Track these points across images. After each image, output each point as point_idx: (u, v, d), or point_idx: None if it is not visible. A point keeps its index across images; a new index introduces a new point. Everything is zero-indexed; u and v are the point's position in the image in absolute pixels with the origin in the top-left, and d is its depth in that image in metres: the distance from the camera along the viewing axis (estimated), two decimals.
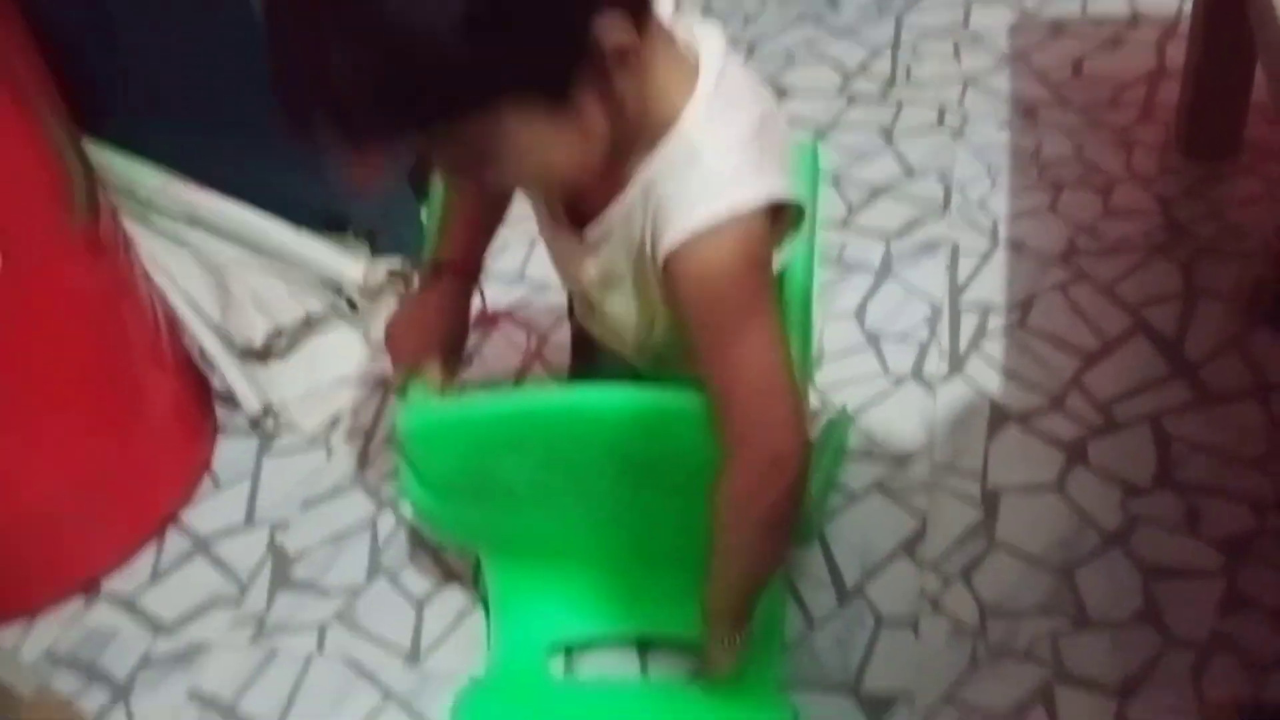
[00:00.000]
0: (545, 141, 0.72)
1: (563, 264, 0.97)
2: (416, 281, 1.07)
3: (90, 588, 1.35)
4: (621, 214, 0.82)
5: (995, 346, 1.38)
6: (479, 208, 1.03)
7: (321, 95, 0.65)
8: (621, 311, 0.92)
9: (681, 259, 0.76)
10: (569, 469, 0.97)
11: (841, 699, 1.07)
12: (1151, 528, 1.16)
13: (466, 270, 1.04)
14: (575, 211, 0.88)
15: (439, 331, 1.03)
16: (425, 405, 0.99)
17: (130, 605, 1.32)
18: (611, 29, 0.68)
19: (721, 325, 0.78)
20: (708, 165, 0.75)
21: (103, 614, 1.31)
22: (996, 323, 1.41)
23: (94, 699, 1.22)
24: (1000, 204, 1.58)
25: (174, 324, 1.44)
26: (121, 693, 1.22)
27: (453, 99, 0.66)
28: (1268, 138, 1.57)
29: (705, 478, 0.91)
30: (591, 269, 0.90)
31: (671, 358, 0.95)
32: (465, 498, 1.01)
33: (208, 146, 1.44)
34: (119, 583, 1.35)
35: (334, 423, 1.48)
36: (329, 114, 0.66)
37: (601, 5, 0.68)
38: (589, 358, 1.13)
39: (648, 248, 0.80)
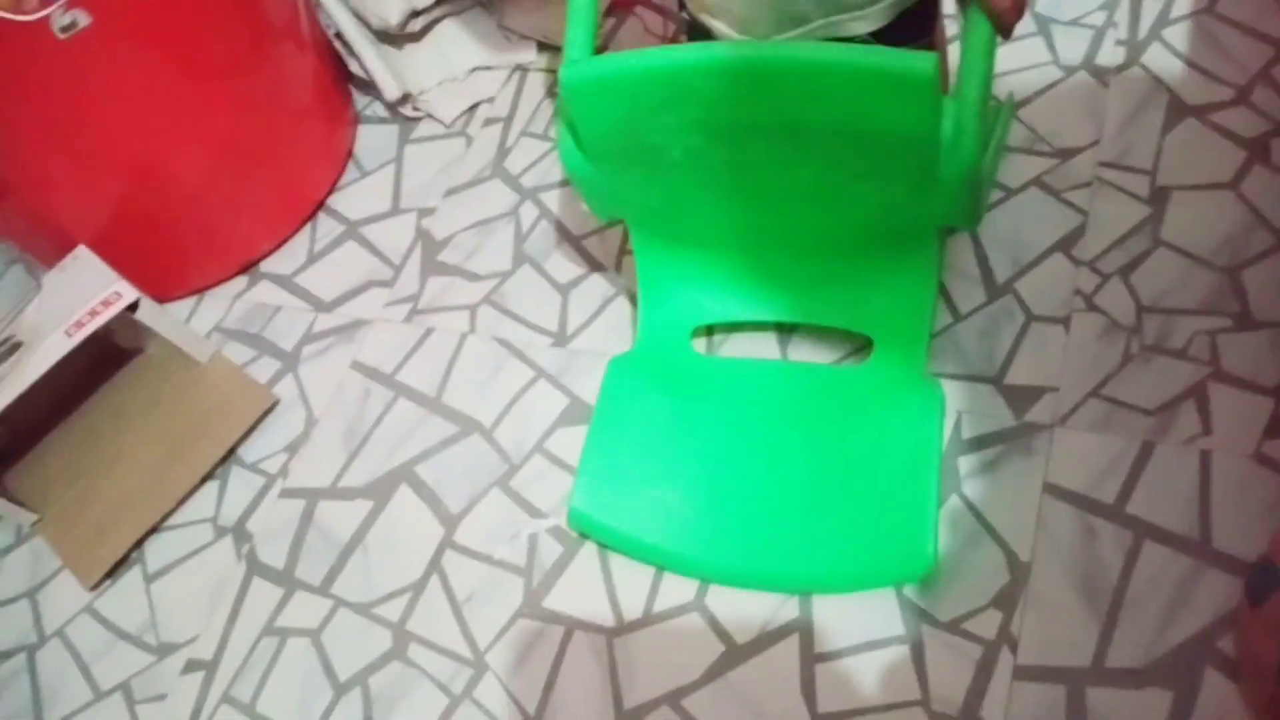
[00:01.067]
0: None
1: None
2: None
3: (250, 269, 1.41)
4: None
5: (1179, 33, 1.26)
6: None
7: None
8: None
9: None
10: (728, 135, 0.93)
11: (984, 388, 1.07)
12: None
13: None
14: None
15: None
16: (584, 60, 0.96)
17: (290, 283, 1.38)
18: None
19: None
20: None
21: (265, 292, 1.39)
22: (1182, 7, 1.28)
23: (264, 367, 1.31)
24: None
25: (310, 4, 1.41)
26: (290, 362, 1.30)
27: None
28: None
29: (879, 149, 0.87)
30: None
31: None
32: (620, 161, 1.00)
33: None
34: (277, 263, 1.41)
35: (472, 110, 1.47)
36: None
37: None
38: None
39: None
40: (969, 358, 1.10)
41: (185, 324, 1.35)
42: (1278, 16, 1.25)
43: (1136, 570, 0.94)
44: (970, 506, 1.01)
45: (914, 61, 0.82)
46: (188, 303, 1.41)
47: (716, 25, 0.98)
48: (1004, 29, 0.85)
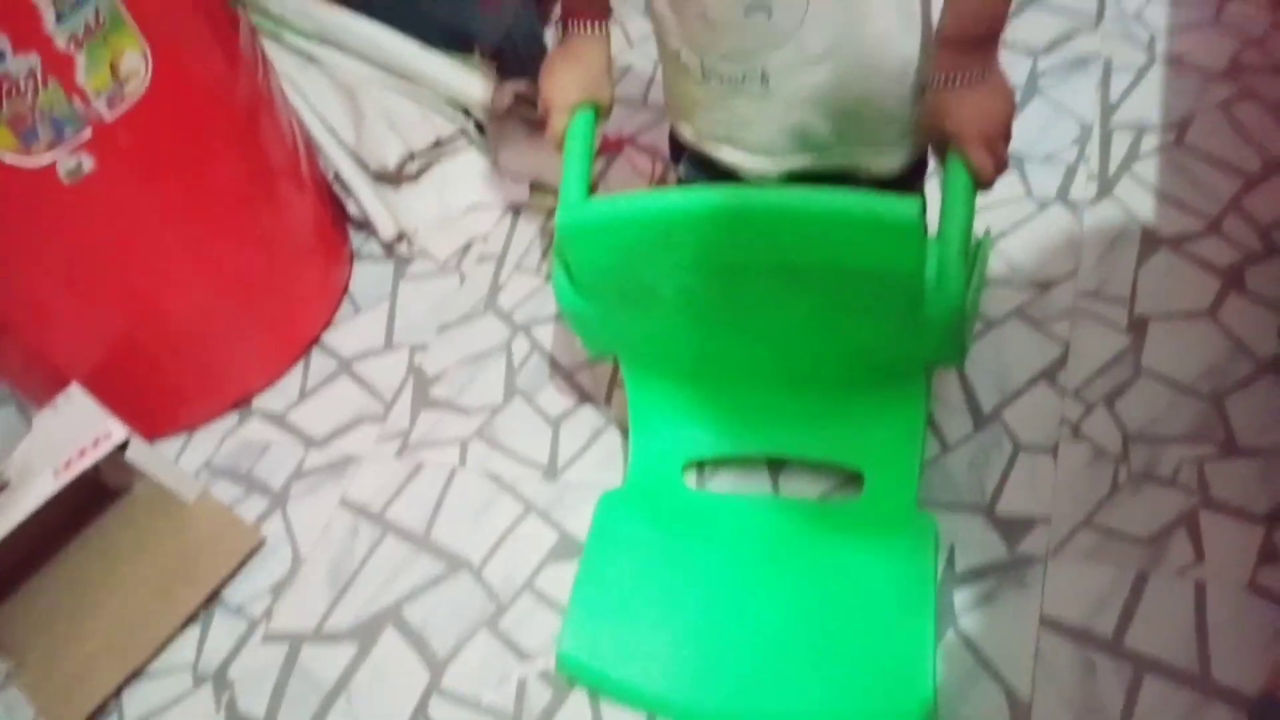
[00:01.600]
0: None
1: None
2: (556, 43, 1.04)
3: (243, 405, 1.42)
4: None
5: (1149, 168, 1.31)
6: None
7: None
8: None
9: None
10: (720, 275, 0.95)
11: (976, 519, 1.07)
12: None
13: (598, 20, 1.02)
14: None
15: (591, 68, 1.02)
16: (581, 201, 0.99)
17: (281, 420, 1.38)
18: None
19: None
20: None
21: (256, 429, 1.39)
22: (1151, 143, 1.33)
23: (253, 505, 1.30)
24: (1159, 16, 1.47)
25: (310, 147, 1.45)
26: (278, 500, 1.30)
27: None
28: None
29: (867, 290, 0.89)
30: None
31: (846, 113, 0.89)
32: (614, 299, 1.02)
33: None
34: (270, 400, 1.42)
35: (466, 248, 1.51)
36: None
37: None
38: None
39: None
40: (959, 488, 1.10)
41: (173, 463, 1.35)
42: (1245, 148, 1.29)
43: (1138, 707, 0.92)
44: (967, 642, 0.99)
45: (900, 207, 0.84)
46: (178, 439, 1.41)
47: (727, 152, 1.00)
48: (985, 184, 0.88)
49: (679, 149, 1.08)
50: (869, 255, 0.87)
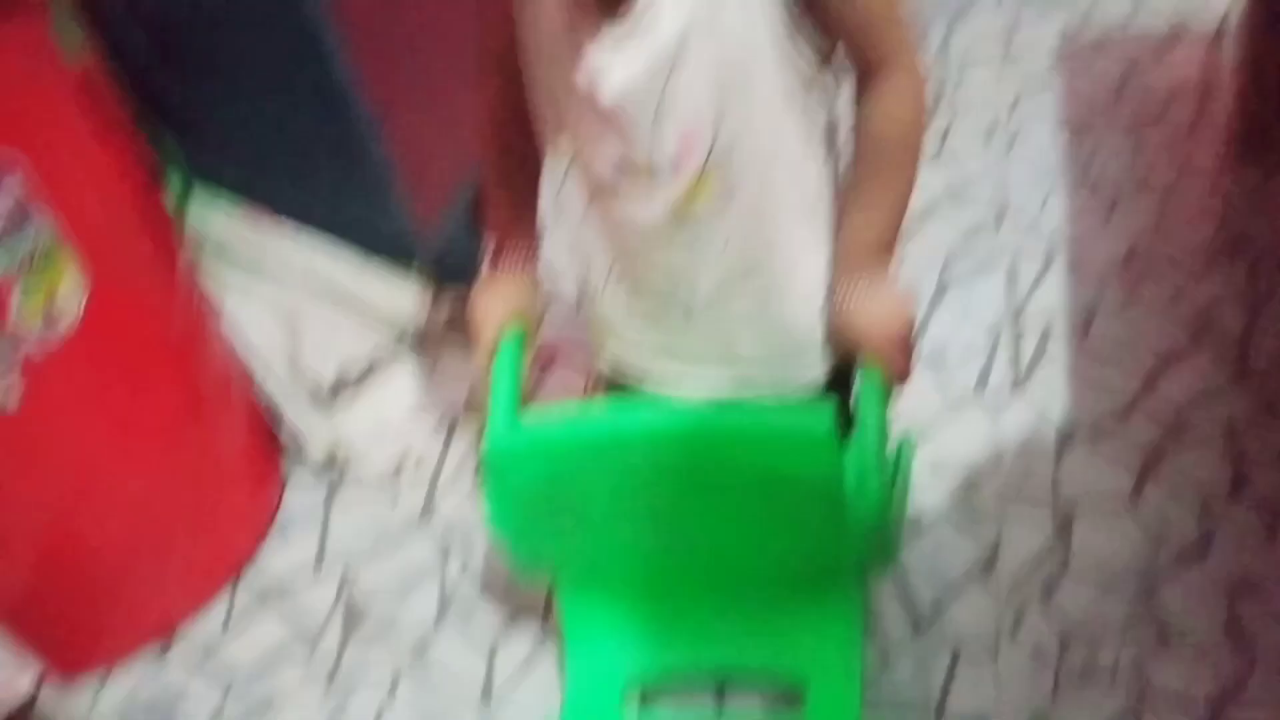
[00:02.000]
0: None
1: (595, 117, 0.84)
2: (484, 266, 1.06)
3: (166, 635, 1.36)
4: None
5: (1059, 361, 1.36)
6: (517, 181, 1.03)
7: None
8: (690, 104, 0.81)
9: None
10: (648, 492, 0.96)
11: None
12: (1231, 540, 1.13)
13: (525, 243, 1.06)
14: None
15: (518, 291, 1.04)
16: (508, 425, 0.99)
17: (205, 655, 1.33)
18: None
19: None
20: None
21: (175, 669, 1.33)
22: (1059, 337, 1.39)
23: None
24: (1055, 217, 1.57)
25: (244, 369, 1.46)
26: None
27: None
28: None
29: (791, 500, 0.91)
30: (639, 61, 0.79)
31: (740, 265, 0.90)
32: (544, 521, 1.01)
33: (277, 178, 1.47)
34: (194, 631, 1.36)
35: (400, 464, 1.50)
36: None
37: None
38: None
39: None
40: (905, 695, 1.08)
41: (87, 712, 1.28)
42: (1147, 339, 1.35)
43: None
44: None
45: (812, 418, 0.87)
46: (97, 677, 1.35)
47: (653, 378, 1.02)
48: (897, 383, 0.91)
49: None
50: (788, 466, 0.90)
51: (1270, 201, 1.49)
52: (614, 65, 0.80)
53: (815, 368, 0.99)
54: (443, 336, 1.56)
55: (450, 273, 1.58)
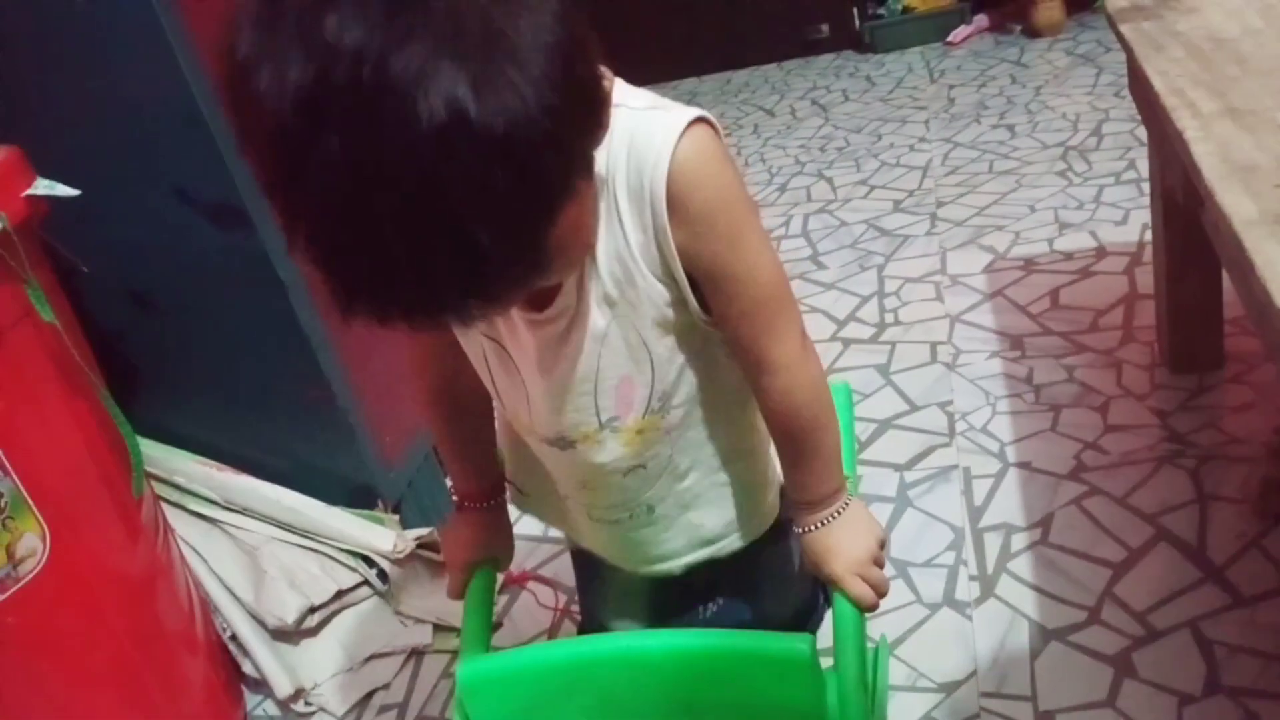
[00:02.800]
0: (590, 204, 0.73)
1: (540, 395, 0.87)
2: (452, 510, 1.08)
3: None
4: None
5: (1023, 565, 1.39)
6: (465, 430, 1.04)
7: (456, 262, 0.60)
8: (622, 368, 0.84)
9: (679, 172, 0.75)
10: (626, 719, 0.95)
11: None
12: None
13: (488, 489, 1.06)
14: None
15: (487, 531, 1.05)
16: (482, 655, 0.98)
17: None
18: (604, 77, 0.69)
19: (735, 216, 0.78)
20: (643, 114, 0.77)
21: None
22: (1020, 542, 1.42)
23: None
24: (1003, 428, 1.64)
25: (207, 607, 1.44)
26: None
27: (565, 179, 0.63)
28: (1248, 348, 1.65)
29: None
30: (567, 349, 0.83)
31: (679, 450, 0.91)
32: None
33: (242, 430, 1.51)
34: None
35: (366, 700, 1.46)
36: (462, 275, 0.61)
37: (595, 55, 0.66)
38: (596, 579, 1.11)
39: (645, 213, 0.77)
40: None
41: None
42: (1105, 540, 1.39)
43: None
44: None
45: (793, 643, 0.87)
46: None
47: (627, 566, 1.02)
48: (867, 610, 0.92)
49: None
50: (768, 691, 0.89)
51: (1205, 405, 1.58)
52: (545, 353, 0.84)
53: (771, 516, 1.00)
54: (407, 572, 1.56)
55: (414, 513, 1.61)
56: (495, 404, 0.98)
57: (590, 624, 1.15)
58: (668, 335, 0.84)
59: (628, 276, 0.80)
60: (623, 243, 0.78)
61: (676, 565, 0.99)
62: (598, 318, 0.81)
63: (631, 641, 0.94)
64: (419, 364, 0.98)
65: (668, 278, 0.80)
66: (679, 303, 0.82)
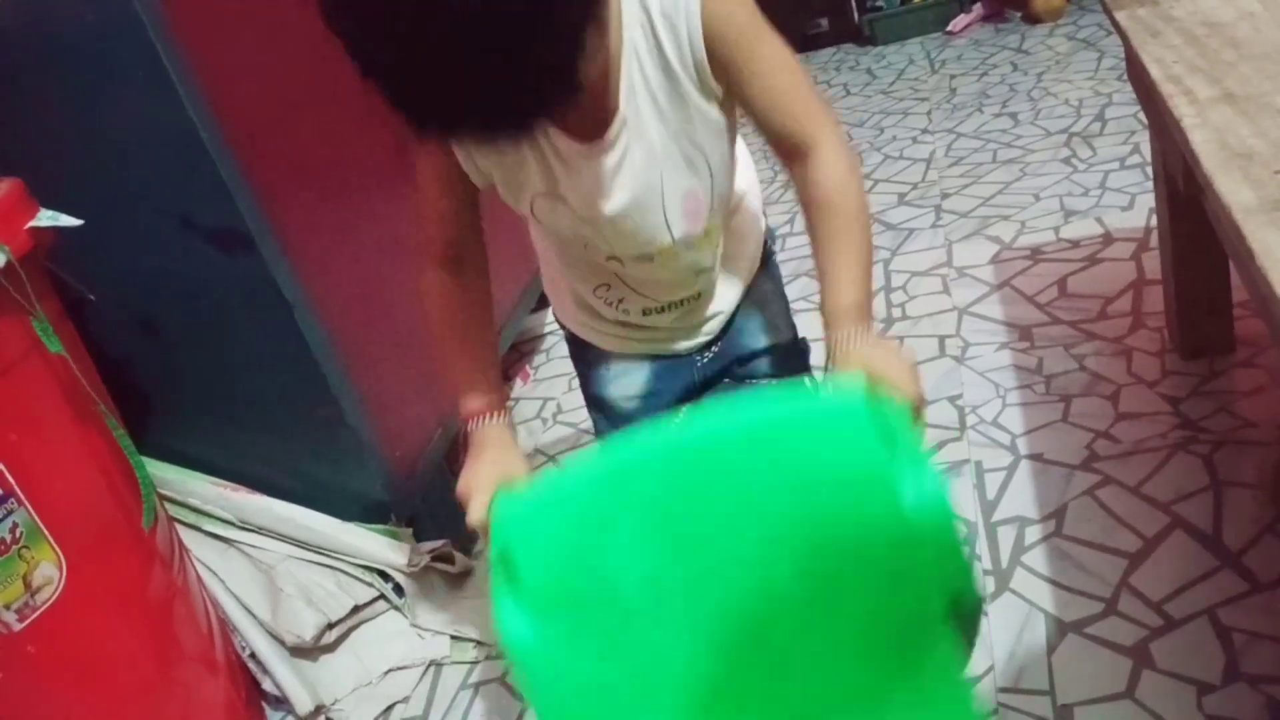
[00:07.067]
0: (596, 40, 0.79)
1: (598, 215, 0.94)
2: (468, 439, 1.03)
3: None
4: (631, 78, 0.87)
5: (1037, 558, 1.38)
6: (478, 320, 1.05)
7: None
8: (684, 183, 0.93)
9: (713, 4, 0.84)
10: (686, 541, 0.82)
11: None
12: None
13: (497, 402, 1.04)
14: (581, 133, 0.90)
15: (500, 453, 1.00)
16: (519, 493, 0.87)
17: None
18: None
19: (756, 18, 0.87)
20: None
21: None
22: (1034, 534, 1.42)
23: None
24: (1014, 420, 1.63)
25: (225, 627, 1.45)
26: None
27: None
28: (1259, 331, 1.64)
29: (844, 518, 0.78)
30: (629, 170, 0.91)
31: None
32: (571, 616, 0.84)
33: (253, 451, 1.52)
34: None
35: (387, 713, 1.47)
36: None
37: None
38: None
39: (684, 48, 0.86)
40: None
41: None
42: (1120, 530, 1.38)
43: None
44: None
45: (842, 395, 0.80)
46: None
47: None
48: (916, 410, 0.84)
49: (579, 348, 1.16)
50: (829, 457, 0.79)
51: (1217, 390, 1.57)
52: (610, 184, 0.91)
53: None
54: (422, 585, 1.56)
55: (427, 526, 1.61)
56: (551, 263, 1.09)
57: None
58: (720, 141, 0.93)
59: (673, 91, 0.88)
60: (660, 60, 0.87)
61: (722, 319, 1.11)
62: (653, 136, 0.89)
63: (678, 429, 0.88)
64: (434, 227, 0.99)
65: (706, 86, 0.88)
66: (723, 105, 0.90)
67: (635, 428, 1.04)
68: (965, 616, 0.84)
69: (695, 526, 0.82)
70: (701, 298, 1.08)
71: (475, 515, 0.99)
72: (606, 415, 1.18)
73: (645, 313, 1.08)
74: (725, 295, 1.10)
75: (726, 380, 1.16)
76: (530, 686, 0.86)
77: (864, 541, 0.79)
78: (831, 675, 0.84)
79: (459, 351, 1.04)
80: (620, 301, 1.08)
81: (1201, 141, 0.92)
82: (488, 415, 1.04)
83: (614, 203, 0.92)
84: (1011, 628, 1.29)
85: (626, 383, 1.15)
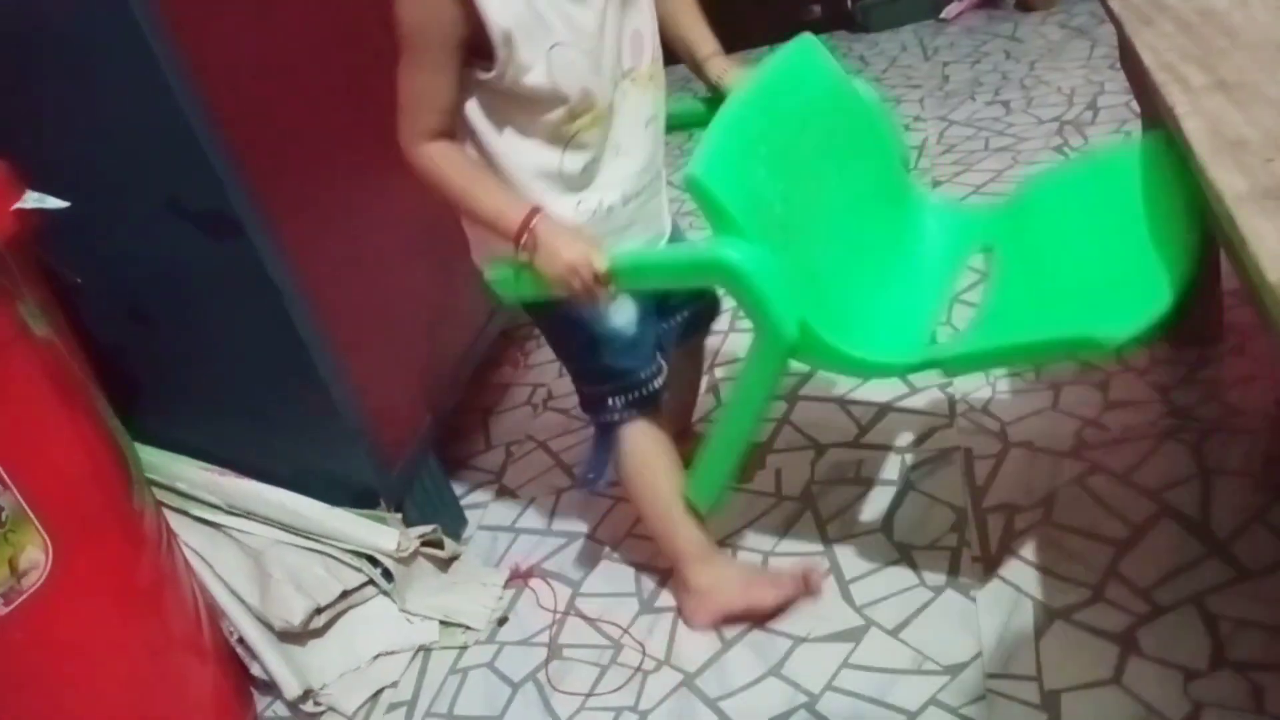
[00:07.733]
0: None
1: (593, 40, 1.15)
2: (534, 235, 1.16)
3: None
4: None
5: (1026, 545, 1.39)
6: (496, 181, 1.18)
7: None
8: (634, 22, 1.20)
9: None
10: (803, 167, 1.29)
11: None
12: (1217, 711, 1.13)
13: (539, 209, 1.16)
14: None
15: (584, 232, 1.19)
16: (700, 156, 1.16)
17: None
18: None
19: None
20: None
21: None
22: (1023, 522, 1.42)
23: None
24: (1004, 408, 1.63)
25: (214, 613, 1.45)
26: None
27: None
28: (1249, 320, 1.64)
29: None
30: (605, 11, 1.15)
31: None
32: (781, 224, 1.22)
33: (242, 436, 1.51)
34: None
35: (375, 698, 1.47)
36: None
37: None
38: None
39: None
40: None
41: None
42: (1109, 517, 1.39)
43: None
44: None
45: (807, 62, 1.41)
46: None
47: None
48: None
49: None
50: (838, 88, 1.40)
51: (1206, 379, 1.57)
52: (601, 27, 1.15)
53: None
54: (411, 570, 1.56)
55: (417, 511, 1.61)
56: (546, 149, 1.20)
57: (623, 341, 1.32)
58: None
59: None
60: None
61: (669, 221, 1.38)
62: None
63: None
64: (426, 108, 1.14)
65: None
66: None
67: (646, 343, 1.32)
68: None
69: (798, 155, 1.31)
70: (653, 185, 1.29)
71: (603, 262, 1.15)
72: (616, 348, 1.31)
73: (610, 210, 1.24)
74: (665, 210, 1.36)
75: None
76: (770, 290, 1.16)
77: (866, 129, 1.42)
78: (869, 203, 1.42)
79: (485, 187, 1.17)
80: (587, 198, 1.23)
81: (1194, 129, 0.92)
82: (534, 214, 1.16)
83: (590, 37, 1.14)
84: (1000, 614, 1.30)
85: (623, 312, 1.29)
